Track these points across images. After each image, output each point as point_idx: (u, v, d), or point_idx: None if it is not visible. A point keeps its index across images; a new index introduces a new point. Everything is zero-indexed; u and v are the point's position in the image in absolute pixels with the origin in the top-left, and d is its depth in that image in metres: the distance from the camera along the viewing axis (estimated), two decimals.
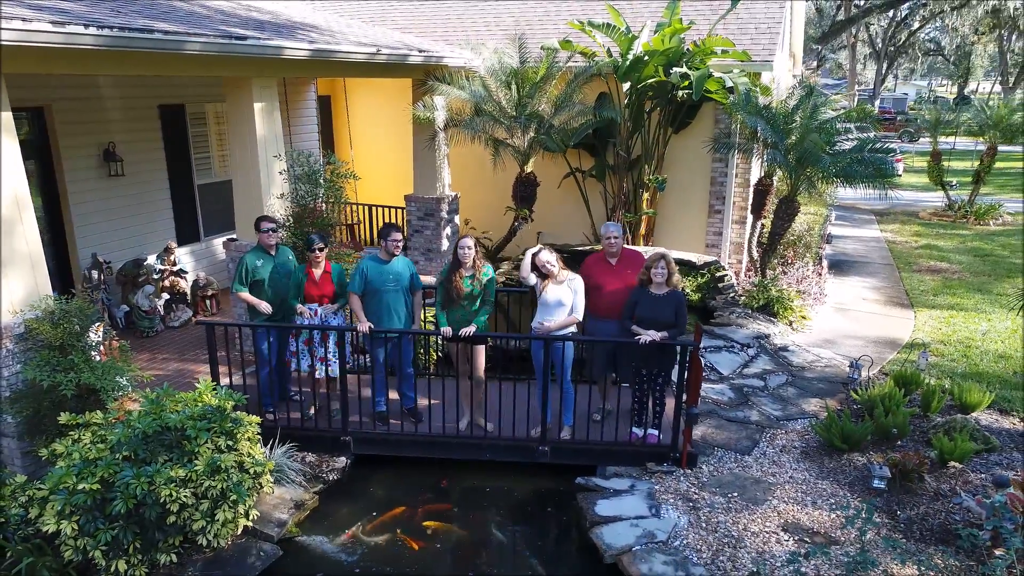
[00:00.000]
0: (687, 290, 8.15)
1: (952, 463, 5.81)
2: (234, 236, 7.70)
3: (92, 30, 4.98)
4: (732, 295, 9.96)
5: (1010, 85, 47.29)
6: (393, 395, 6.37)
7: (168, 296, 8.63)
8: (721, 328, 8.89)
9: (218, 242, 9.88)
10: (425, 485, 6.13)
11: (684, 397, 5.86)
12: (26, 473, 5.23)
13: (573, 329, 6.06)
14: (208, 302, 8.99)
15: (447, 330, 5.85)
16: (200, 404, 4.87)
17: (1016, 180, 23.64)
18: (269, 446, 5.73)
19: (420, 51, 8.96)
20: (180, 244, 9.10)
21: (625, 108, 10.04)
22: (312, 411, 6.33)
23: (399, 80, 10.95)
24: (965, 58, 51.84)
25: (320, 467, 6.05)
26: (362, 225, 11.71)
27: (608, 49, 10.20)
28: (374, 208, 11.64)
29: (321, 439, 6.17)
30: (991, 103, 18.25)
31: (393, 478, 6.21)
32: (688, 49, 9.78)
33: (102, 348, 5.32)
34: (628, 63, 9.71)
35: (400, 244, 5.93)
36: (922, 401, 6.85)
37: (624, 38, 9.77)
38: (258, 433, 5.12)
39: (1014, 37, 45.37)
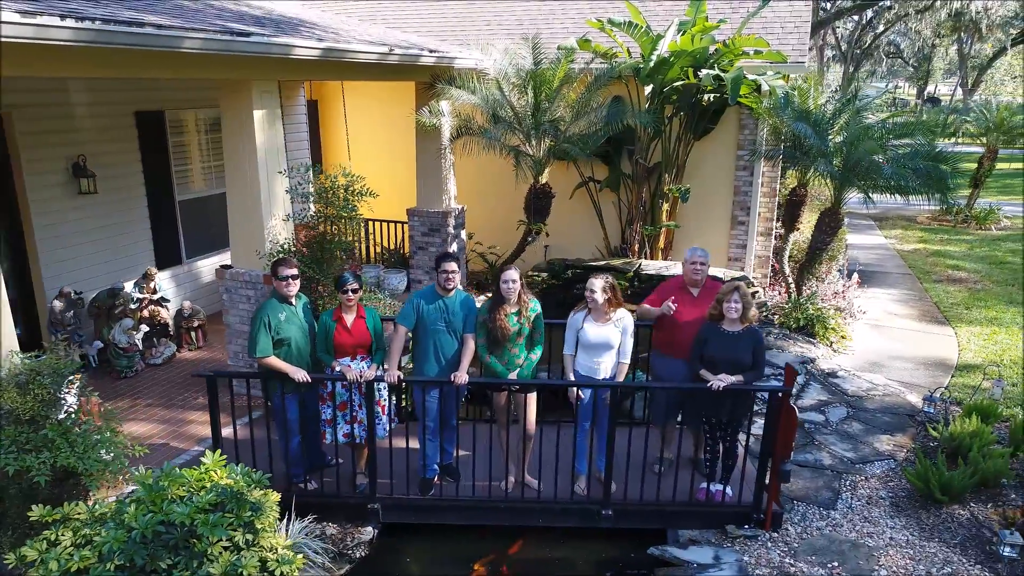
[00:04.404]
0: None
1: None
2: (228, 263, 6.69)
3: (69, 22, 4.01)
4: (765, 314, 9.26)
5: (969, 87, 47.87)
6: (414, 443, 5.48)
7: (148, 328, 7.58)
8: None
9: (202, 264, 8.81)
10: (465, 556, 5.23)
11: (761, 449, 5.08)
12: None
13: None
14: (193, 334, 7.95)
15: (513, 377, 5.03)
16: (210, 486, 3.92)
17: (997, 183, 23.47)
18: (285, 520, 4.79)
19: (431, 51, 8.05)
20: (160, 268, 8.04)
21: (645, 113, 9.26)
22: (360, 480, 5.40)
23: (397, 84, 10.03)
24: (925, 61, 52.36)
25: (344, 540, 5.11)
26: (360, 244, 10.67)
27: (628, 49, 9.43)
28: (370, 223, 10.64)
29: (344, 507, 5.22)
30: (991, 105, 17.91)
31: (427, 549, 5.31)
32: (716, 50, 9.05)
33: (81, 411, 4.33)
34: (652, 64, 8.94)
35: (455, 277, 4.93)
36: (1011, 438, 6.18)
37: (647, 37, 8.99)
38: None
39: (974, 40, 45.90)
